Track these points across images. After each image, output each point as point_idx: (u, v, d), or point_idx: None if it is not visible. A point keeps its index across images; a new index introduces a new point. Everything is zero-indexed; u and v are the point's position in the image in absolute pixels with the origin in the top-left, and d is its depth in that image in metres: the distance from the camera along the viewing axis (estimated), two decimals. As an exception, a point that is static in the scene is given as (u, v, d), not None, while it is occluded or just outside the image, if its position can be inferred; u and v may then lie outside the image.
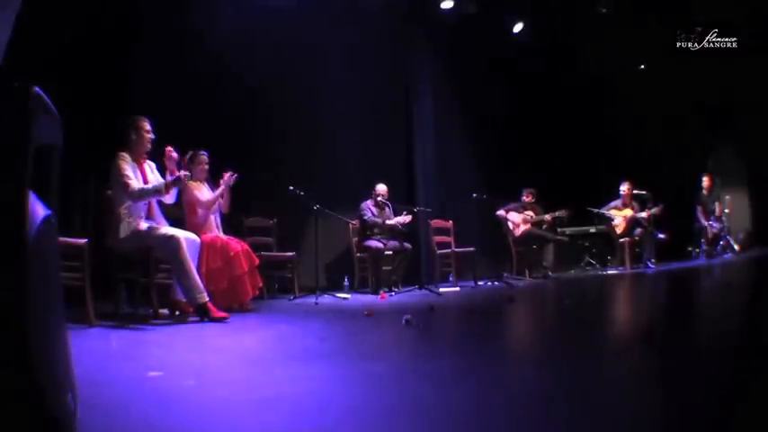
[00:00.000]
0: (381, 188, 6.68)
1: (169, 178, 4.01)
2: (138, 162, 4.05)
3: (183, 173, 4.03)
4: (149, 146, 4.09)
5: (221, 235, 4.75)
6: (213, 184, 4.89)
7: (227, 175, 4.72)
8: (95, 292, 3.63)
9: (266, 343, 3.31)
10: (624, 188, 8.18)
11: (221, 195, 4.77)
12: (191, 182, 4.77)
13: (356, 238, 6.60)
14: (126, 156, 3.95)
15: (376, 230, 6.51)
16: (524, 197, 7.91)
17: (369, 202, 6.66)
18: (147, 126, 4.06)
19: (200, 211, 4.72)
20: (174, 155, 4.08)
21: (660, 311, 4.27)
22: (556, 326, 3.90)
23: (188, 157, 4.67)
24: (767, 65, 7.20)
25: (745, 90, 7.86)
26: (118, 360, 2.62)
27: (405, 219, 6.53)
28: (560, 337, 3.22)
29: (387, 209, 6.73)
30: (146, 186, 3.94)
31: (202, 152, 4.88)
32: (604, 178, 8.50)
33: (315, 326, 3.81)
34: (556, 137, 8.62)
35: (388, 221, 6.56)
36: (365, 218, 6.51)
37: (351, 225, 6.57)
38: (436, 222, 7.19)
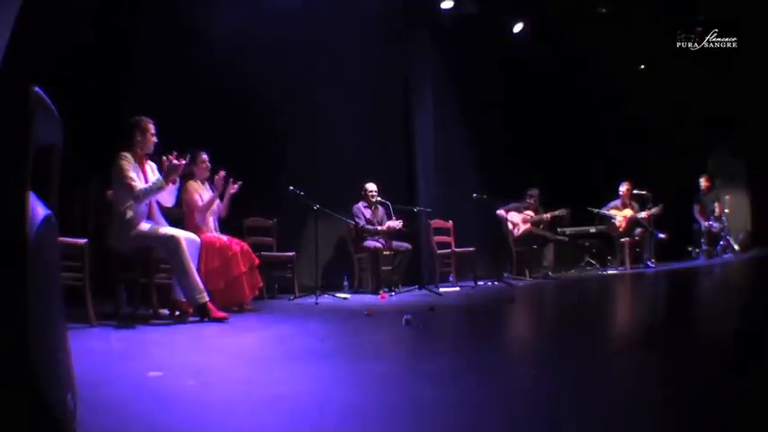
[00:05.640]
0: (371, 187, 6.63)
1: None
2: (139, 163, 4.04)
3: (180, 161, 3.97)
4: (152, 147, 4.09)
5: (221, 236, 4.75)
6: (212, 185, 4.89)
7: (221, 174, 4.72)
8: (95, 292, 3.63)
9: (266, 343, 3.31)
10: (624, 188, 8.19)
11: (218, 197, 4.77)
12: (193, 182, 4.78)
13: (354, 239, 6.58)
14: (128, 156, 3.95)
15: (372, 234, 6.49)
16: (528, 198, 7.90)
17: (360, 205, 6.62)
18: (152, 127, 4.06)
19: (197, 213, 4.72)
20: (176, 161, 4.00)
21: (660, 311, 4.27)
22: (556, 325, 3.90)
23: (188, 158, 4.66)
24: (767, 65, 7.20)
25: (745, 90, 7.86)
26: (118, 360, 2.62)
27: (396, 224, 6.47)
28: (560, 336, 3.22)
29: (381, 208, 6.68)
30: (147, 185, 3.94)
31: (202, 153, 4.88)
32: (604, 178, 8.49)
33: (315, 326, 3.81)
34: (556, 137, 8.62)
35: (379, 228, 6.51)
36: (360, 226, 6.48)
37: (350, 227, 6.55)
38: (436, 222, 7.19)
